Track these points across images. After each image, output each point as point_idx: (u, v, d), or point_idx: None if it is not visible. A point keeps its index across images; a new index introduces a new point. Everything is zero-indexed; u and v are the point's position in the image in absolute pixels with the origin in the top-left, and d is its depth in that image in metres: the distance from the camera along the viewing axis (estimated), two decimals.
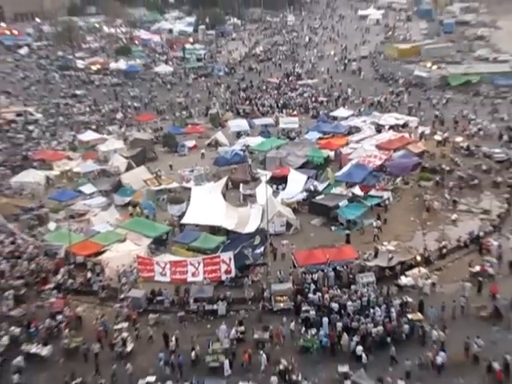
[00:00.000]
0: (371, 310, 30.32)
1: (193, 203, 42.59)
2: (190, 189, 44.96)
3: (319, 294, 32.21)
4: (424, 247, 37.69)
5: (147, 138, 56.11)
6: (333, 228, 42.33)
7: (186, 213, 42.05)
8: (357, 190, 45.18)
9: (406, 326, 28.93)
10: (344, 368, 26.21)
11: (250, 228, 40.13)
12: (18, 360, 26.40)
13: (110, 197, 44.28)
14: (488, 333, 27.86)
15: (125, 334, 28.84)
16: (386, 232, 40.88)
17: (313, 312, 30.61)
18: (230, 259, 34.91)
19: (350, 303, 31.15)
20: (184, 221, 41.56)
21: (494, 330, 28.18)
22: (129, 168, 48.70)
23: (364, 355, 27.07)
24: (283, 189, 46.94)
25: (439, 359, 26.29)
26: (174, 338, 28.66)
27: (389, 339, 28.30)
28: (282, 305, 31.86)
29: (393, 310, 30.22)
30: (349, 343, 27.90)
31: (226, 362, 27.21)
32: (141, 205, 43.23)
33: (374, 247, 38.02)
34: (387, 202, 44.65)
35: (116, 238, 36.55)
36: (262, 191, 41.00)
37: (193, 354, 28.00)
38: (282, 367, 26.56)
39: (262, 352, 27.21)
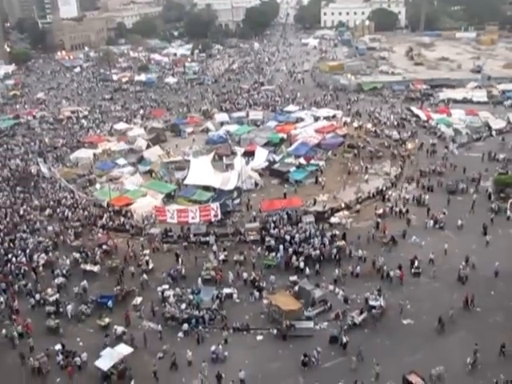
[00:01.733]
0: (311, 240, 29.79)
1: (192, 170, 41.63)
2: (189, 160, 43.96)
3: (277, 229, 31.53)
4: (346, 197, 37.28)
5: (160, 127, 55.26)
6: (285, 186, 41.47)
7: (187, 176, 41.09)
8: (302, 160, 44.21)
9: (335, 250, 28.67)
10: (293, 278, 26.17)
11: (230, 186, 39.19)
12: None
13: (135, 166, 43.99)
14: (387, 252, 27.78)
15: (147, 258, 28.32)
16: (321, 188, 40.15)
17: (273, 241, 30.00)
18: (217, 207, 34.21)
19: (297, 235, 30.45)
20: (186, 182, 40.78)
21: (388, 250, 27.88)
22: (148, 147, 48.39)
23: (307, 269, 26.93)
24: (252, 160, 45.65)
25: (357, 270, 26.49)
26: (180, 260, 28.23)
27: (322, 258, 28.59)
28: (252, 237, 31.25)
29: (326, 239, 29.91)
30: (297, 262, 27.59)
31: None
32: (157, 172, 42.55)
33: (313, 198, 37.36)
34: (322, 167, 43.81)
35: (140, 194, 36.16)
36: (238, 162, 40.64)
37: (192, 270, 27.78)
38: (252, 278, 26.27)
39: (229, 272, 26.34)
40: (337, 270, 26.39)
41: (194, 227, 33.07)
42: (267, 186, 41.80)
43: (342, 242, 29.16)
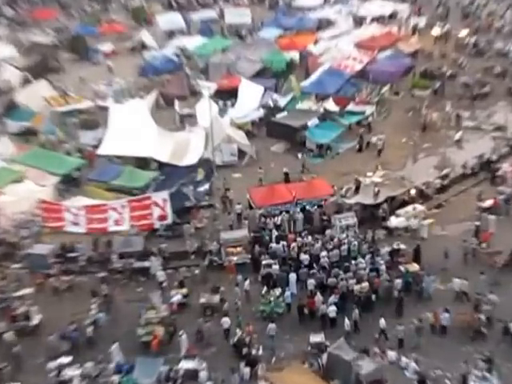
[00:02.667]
0: (353, 262, 31.31)
1: (112, 128, 42.36)
2: (107, 108, 44.63)
3: (284, 242, 33.18)
4: (420, 178, 38.44)
5: (48, 43, 55.15)
6: (300, 156, 42.87)
7: (104, 140, 41.84)
8: (330, 105, 45.19)
9: (399, 281, 29.81)
10: (317, 337, 26.61)
11: (189, 159, 40.45)
12: None
13: (0, 122, 44.27)
14: (507, 285, 28.83)
15: (28, 303, 29.24)
16: (370, 159, 41.48)
17: (276, 266, 31.44)
18: (165, 201, 35.01)
19: (324, 253, 32.03)
20: (101, 151, 41.42)
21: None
22: (25, 83, 48.58)
23: (347, 320, 27.63)
24: (232, 105, 46.88)
25: (442, 321, 27.15)
26: (94, 305, 29.32)
27: (375, 297, 29.40)
28: (235, 258, 32.79)
29: (381, 260, 31.34)
30: (324, 306, 28.71)
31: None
32: (44, 132, 43.32)
33: (355, 179, 38.41)
34: (371, 118, 45.03)
35: (11, 176, 37.27)
36: (205, 109, 40.87)
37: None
38: (236, 339, 27.00)
39: (181, 333, 27.39)
40: (403, 323, 27.29)
41: (121, 241, 34.16)
42: (264, 156, 43.59)
43: (414, 266, 30.76)
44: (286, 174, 40.31)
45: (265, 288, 30.45)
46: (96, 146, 42.45)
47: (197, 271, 32.58)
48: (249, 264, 33.08)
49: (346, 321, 27.74)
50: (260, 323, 28.65)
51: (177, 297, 30.30)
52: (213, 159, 38.63)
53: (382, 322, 27.30)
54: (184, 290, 30.84)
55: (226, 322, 28.26)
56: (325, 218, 35.48)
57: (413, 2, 60.50)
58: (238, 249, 33.31)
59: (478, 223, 33.78)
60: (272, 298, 29.74)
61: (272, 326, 27.75)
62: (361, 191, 37.38)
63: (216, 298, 30.06)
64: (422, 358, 25.35)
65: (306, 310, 29.21)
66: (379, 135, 43.49)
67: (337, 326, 28.15)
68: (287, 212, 35.45)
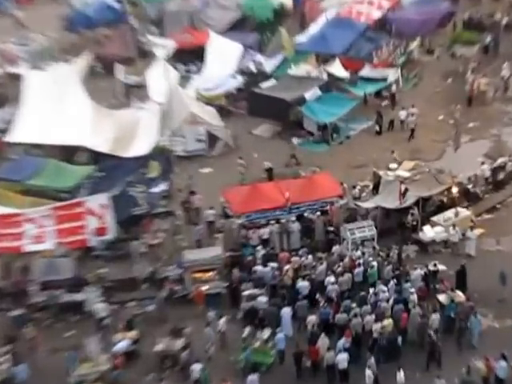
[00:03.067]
0: (371, 291, 31.76)
1: (27, 105, 42.22)
2: (19, 77, 44.34)
3: (274, 264, 33.81)
4: (464, 171, 39.17)
5: None
6: (295, 141, 43.50)
7: (16, 123, 41.64)
8: (337, 69, 45.37)
9: (436, 317, 29.87)
10: None
11: (138, 148, 40.43)
12: None
13: None
14: None
15: None
16: (395, 144, 41.95)
17: (263, 298, 31.93)
18: (104, 207, 35.21)
19: (331, 279, 32.56)
20: (11, 138, 41.45)
21: None
22: None
23: (368, 371, 27.81)
24: (199, 71, 46.94)
25: (498, 372, 27.26)
26: (6, 357, 29.14)
27: (402, 340, 29.64)
28: (205, 287, 33.26)
29: (410, 287, 31.69)
30: (329, 354, 28.74)
31: None
32: None
33: (373, 174, 38.94)
34: (394, 88, 45.31)
35: None
36: (159, 78, 41.28)
37: None
38: None
39: None
40: (443, 375, 27.54)
41: (43, 265, 34.15)
42: (244, 142, 44.47)
43: (459, 295, 31.39)
44: (269, 171, 40.76)
45: (247, 329, 30.50)
46: (3, 131, 42.07)
47: (151, 307, 32.65)
48: (225, 295, 33.43)
49: (368, 372, 27.66)
50: (241, 379, 29.02)
51: (123, 343, 30.18)
52: (171, 148, 38.41)
53: (401, 376, 27.37)
54: (133, 334, 30.86)
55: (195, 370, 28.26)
56: (331, 229, 36.09)
57: None
58: (209, 274, 33.73)
59: None
60: (258, 343, 29.82)
61: (253, 378, 27.81)
62: (381, 190, 37.70)
63: (178, 344, 29.98)
64: None
65: (305, 360, 29.22)
66: (410, 108, 43.59)
67: (349, 381, 28.43)
68: (278, 221, 35.78)
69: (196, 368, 28.30)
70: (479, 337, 29.71)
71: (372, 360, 27.94)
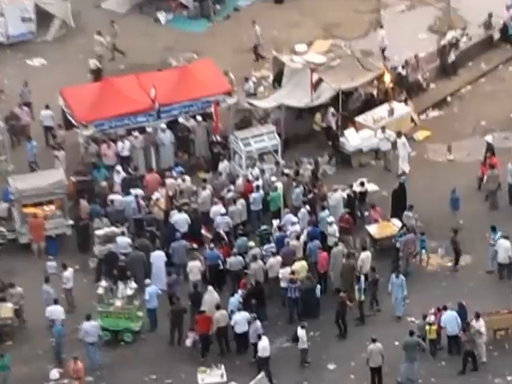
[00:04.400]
0: (274, 223, 32.87)
1: None
2: None
3: (138, 191, 34.24)
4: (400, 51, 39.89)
5: None
6: (162, 18, 44.47)
7: None
8: None
9: (366, 256, 31.05)
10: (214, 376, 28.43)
11: None
12: None
13: None
14: None
15: None
16: (302, 14, 42.10)
17: (124, 239, 32.58)
18: None
19: (219, 209, 33.37)
20: None
21: None
22: None
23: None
24: None
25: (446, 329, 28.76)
26: None
27: (319, 290, 30.58)
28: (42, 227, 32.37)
29: (329, 216, 32.33)
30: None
31: None
32: None
33: (274, 58, 39.42)
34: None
35: None
36: None
37: None
38: None
39: None
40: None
41: None
42: (89, 21, 44.58)
43: (396, 227, 32.80)
44: (97, 72, 40.40)
45: (103, 282, 30.74)
46: None
47: None
48: (70, 237, 33.52)
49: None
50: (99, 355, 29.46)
51: None
52: None
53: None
54: None
55: None
56: (216, 139, 36.54)
57: None
58: (48, 208, 33.91)
59: None
60: (119, 303, 30.11)
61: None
62: (285, 83, 38.00)
63: (5, 311, 29.91)
64: None
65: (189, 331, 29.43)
66: None
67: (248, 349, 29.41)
68: (142, 131, 36.70)
69: None
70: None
71: None
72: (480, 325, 27.56)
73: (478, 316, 27.63)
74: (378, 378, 27.29)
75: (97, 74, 40.08)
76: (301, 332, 27.63)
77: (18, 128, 37.36)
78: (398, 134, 35.62)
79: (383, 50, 40.83)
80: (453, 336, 27.92)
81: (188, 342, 28.85)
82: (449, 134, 37.01)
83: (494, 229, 31.08)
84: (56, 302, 29.44)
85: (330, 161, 35.90)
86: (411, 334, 27.45)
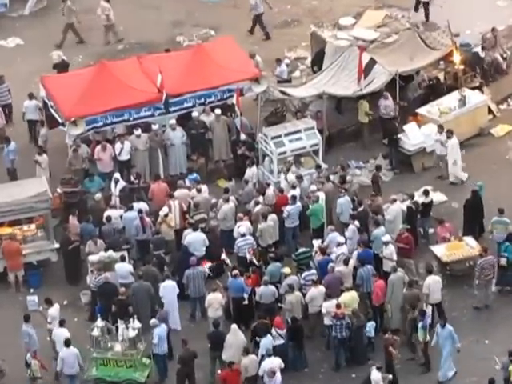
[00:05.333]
0: (316, 243, 33.26)
1: None
2: None
3: (141, 204, 34.90)
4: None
5: None
6: None
7: None
8: None
9: (434, 282, 31.26)
10: None
11: None
12: None
13: None
14: None
15: None
16: None
17: (125, 266, 33.02)
18: None
19: (244, 227, 33.53)
20: None
21: None
22: None
23: None
24: None
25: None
26: None
27: (373, 327, 30.97)
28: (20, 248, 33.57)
29: (386, 235, 32.66)
30: None
31: None
32: None
33: (312, 34, 39.71)
34: None
35: None
36: None
37: None
38: None
39: None
40: None
41: None
42: None
43: (471, 249, 33.23)
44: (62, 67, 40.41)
45: (99, 322, 30.55)
46: None
47: None
48: (57, 263, 33.99)
49: None
50: None
51: None
52: None
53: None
54: None
55: None
56: (241, 138, 36.69)
57: None
58: (28, 227, 34.35)
59: None
60: (118, 347, 30.27)
61: None
62: (327, 66, 38.11)
63: None
64: None
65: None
66: None
67: None
68: (146, 129, 36.61)
69: None
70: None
71: None
72: None
73: None
74: None
75: (61, 69, 40.03)
76: (375, 375, 27.31)
77: None
78: (449, 134, 35.64)
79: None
80: None
81: None
82: None
83: None
84: (68, 343, 29.30)
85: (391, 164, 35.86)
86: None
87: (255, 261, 32.27)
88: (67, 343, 28.55)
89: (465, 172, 35.70)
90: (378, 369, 27.22)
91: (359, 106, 36.95)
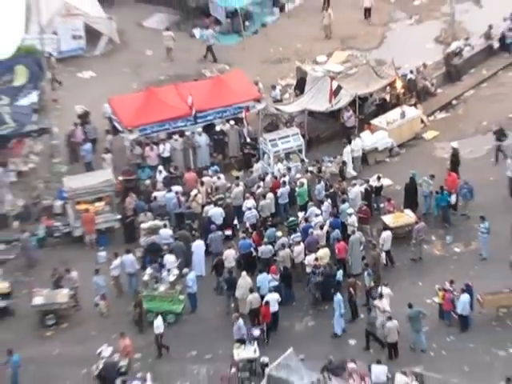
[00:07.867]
0: (300, 215, 32.94)
1: None
2: None
3: (177, 188, 34.34)
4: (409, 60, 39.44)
5: None
6: (197, 33, 43.82)
7: None
8: None
9: (383, 240, 31.00)
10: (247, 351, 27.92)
11: None
12: None
13: None
14: None
15: None
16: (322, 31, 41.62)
17: (167, 231, 32.52)
18: None
19: (250, 203, 33.35)
20: None
21: None
22: None
23: None
24: None
25: (458, 308, 28.48)
26: None
27: (341, 274, 30.37)
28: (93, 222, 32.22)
29: (349, 208, 32.52)
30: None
31: None
32: None
33: (297, 68, 39.25)
34: None
35: None
36: None
37: None
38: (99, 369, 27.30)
39: None
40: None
41: None
42: (133, 37, 44.44)
43: (409, 217, 32.96)
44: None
45: (148, 270, 30.71)
46: None
47: (13, 251, 32.52)
48: (118, 230, 33.86)
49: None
50: (144, 334, 29.40)
51: None
52: (41, 48, 36.88)
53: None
54: (4, 285, 30.43)
55: None
56: (248, 141, 36.67)
57: None
58: (98, 204, 33.69)
59: None
60: (162, 288, 30.14)
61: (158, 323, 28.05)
62: (307, 90, 37.78)
63: (61, 296, 29.77)
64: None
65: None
66: None
67: (278, 327, 29.53)
68: (181, 135, 36.67)
69: None
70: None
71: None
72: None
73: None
74: (395, 351, 27.16)
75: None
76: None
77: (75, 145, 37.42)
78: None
79: None
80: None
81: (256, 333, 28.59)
82: (454, 134, 37.07)
83: (483, 218, 30.89)
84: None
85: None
86: (410, 306, 27.36)
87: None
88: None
89: (405, 165, 35.68)
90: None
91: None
